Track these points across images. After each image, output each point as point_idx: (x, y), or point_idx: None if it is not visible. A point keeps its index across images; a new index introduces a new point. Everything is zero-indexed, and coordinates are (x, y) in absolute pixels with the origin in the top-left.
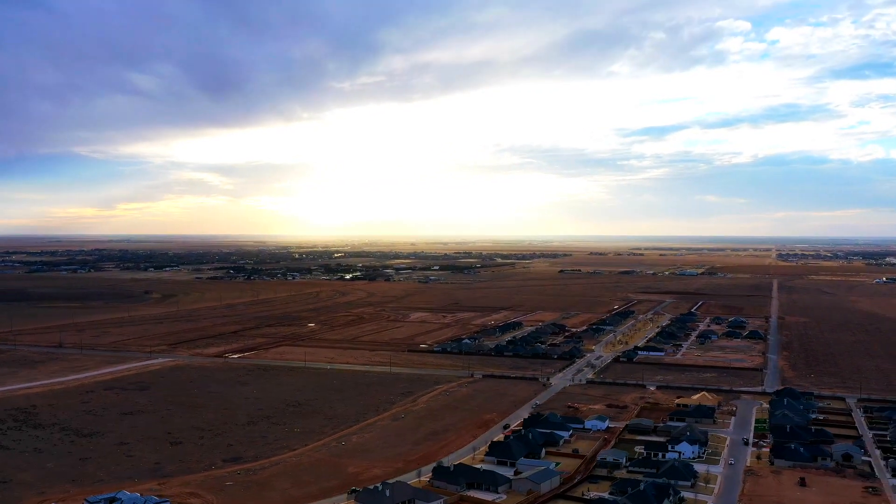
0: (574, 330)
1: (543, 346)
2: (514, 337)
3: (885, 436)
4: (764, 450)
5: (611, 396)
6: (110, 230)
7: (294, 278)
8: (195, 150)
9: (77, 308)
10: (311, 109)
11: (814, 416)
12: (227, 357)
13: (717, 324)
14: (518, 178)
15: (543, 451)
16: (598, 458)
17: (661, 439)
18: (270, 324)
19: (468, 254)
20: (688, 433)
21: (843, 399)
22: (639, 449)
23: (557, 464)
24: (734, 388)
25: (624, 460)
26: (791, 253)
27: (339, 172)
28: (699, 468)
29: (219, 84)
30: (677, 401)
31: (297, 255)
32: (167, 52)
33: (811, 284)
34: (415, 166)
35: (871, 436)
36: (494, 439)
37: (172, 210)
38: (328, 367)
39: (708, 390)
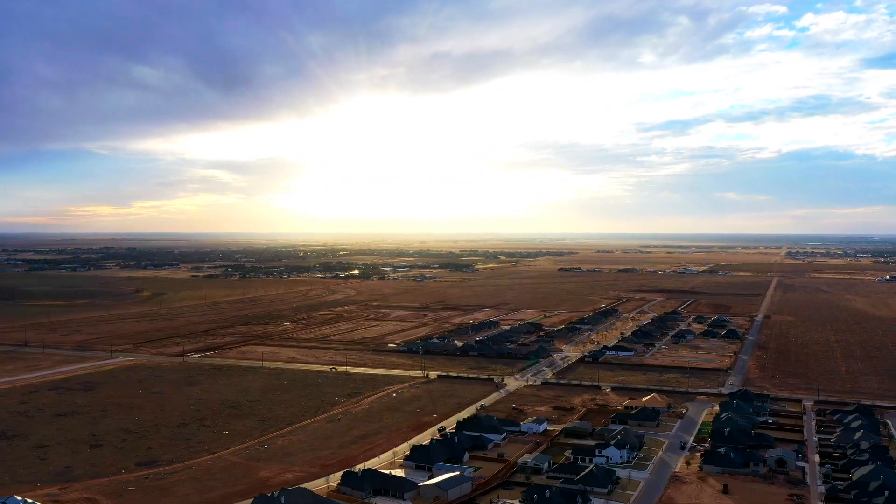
0: (550, 329)
1: (512, 345)
2: (485, 336)
3: (829, 440)
4: (698, 455)
5: (561, 398)
6: (127, 228)
7: (289, 276)
8: (206, 146)
9: (62, 306)
10: (324, 103)
11: (763, 419)
12: (187, 356)
13: (698, 323)
14: (534, 175)
15: (467, 455)
16: (519, 463)
17: (594, 443)
18: (247, 322)
19: (474, 251)
20: (619, 437)
21: (799, 401)
22: (568, 453)
23: (478, 469)
24: (690, 390)
25: (546, 465)
26: (801, 251)
27: (351, 169)
28: (623, 473)
29: (228, 77)
30: (625, 403)
31: (301, 254)
32: (173, 44)
33: (810, 282)
34: (429, 162)
35: (815, 440)
36: (420, 443)
37: (188, 208)
38: (284, 367)
39: (663, 392)
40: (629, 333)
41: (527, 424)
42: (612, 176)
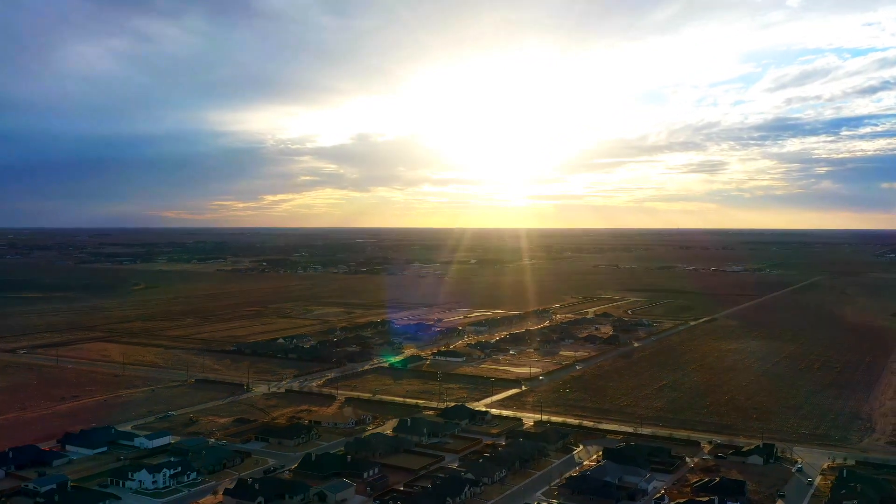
0: (437, 329)
1: (355, 346)
2: (345, 337)
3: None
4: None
5: (271, 409)
6: (263, 222)
7: (304, 271)
8: (324, 126)
9: (34, 297)
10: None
11: (437, 440)
12: (16, 352)
13: (612, 326)
14: (670, 161)
15: (3, 472)
16: (23, 485)
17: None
18: (152, 318)
19: (547, 247)
20: (171, 457)
21: (518, 420)
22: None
23: None
24: (420, 404)
25: (48, 488)
26: None
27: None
28: (134, 501)
29: (332, 41)
30: (311, 417)
31: (366, 248)
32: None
33: (848, 282)
34: (555, 137)
35: (432, 469)
36: None
37: (316, 203)
38: (65, 367)
39: (361, 403)
40: (504, 336)
41: (140, 440)
42: (762, 164)
